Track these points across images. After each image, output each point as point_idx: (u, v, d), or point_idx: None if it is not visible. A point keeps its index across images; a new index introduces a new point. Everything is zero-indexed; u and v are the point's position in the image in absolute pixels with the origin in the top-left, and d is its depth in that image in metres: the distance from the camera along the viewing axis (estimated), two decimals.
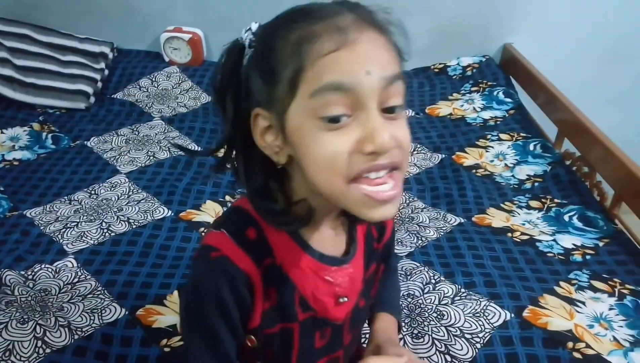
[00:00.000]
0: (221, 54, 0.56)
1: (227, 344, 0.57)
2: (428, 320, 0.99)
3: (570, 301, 1.02)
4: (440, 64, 1.97)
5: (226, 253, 0.55)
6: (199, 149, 1.54)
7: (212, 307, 0.55)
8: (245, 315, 0.57)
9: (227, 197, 1.35)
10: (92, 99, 1.74)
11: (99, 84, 1.79)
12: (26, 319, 0.96)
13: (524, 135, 1.59)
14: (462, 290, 1.05)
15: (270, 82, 0.50)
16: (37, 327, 0.95)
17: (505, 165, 1.50)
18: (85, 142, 1.57)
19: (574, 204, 1.31)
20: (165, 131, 1.63)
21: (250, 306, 0.57)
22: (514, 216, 1.30)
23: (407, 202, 1.36)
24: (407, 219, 1.29)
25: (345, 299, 0.63)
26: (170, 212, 1.29)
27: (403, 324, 0.96)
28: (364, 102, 0.47)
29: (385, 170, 0.49)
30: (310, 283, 0.60)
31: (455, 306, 1.01)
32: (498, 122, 1.68)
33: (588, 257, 1.15)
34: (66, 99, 1.70)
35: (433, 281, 1.08)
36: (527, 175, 1.45)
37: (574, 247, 1.18)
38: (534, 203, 1.34)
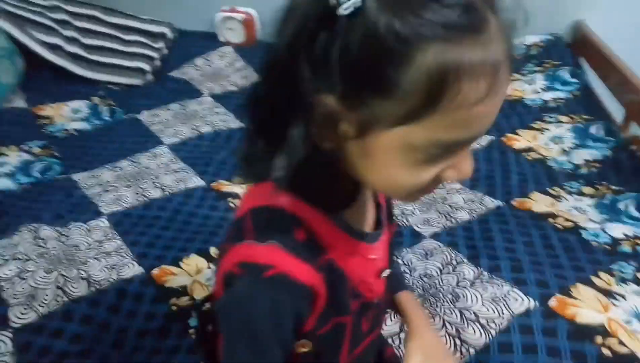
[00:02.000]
0: (284, 13, 0.41)
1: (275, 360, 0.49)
2: (442, 302, 0.92)
3: (608, 293, 0.90)
4: None
5: (283, 269, 0.46)
6: (240, 124, 1.57)
7: (262, 329, 0.47)
8: (301, 325, 0.50)
9: None
10: (149, 76, 1.82)
11: (157, 62, 1.87)
12: (52, 269, 1.02)
13: (587, 117, 1.44)
14: (484, 273, 0.97)
15: (375, 89, 0.39)
16: (60, 277, 1.01)
17: (562, 149, 1.37)
18: (137, 115, 1.64)
19: (633, 191, 1.16)
20: (212, 107, 1.67)
21: (307, 316, 0.49)
22: (560, 201, 1.18)
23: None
24: (439, 200, 1.22)
25: (387, 271, 0.59)
26: (203, 182, 1.32)
27: None
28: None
29: None
30: (359, 269, 0.54)
31: (474, 289, 0.94)
32: (560, 104, 1.54)
33: (639, 248, 1.02)
34: (125, 75, 1.80)
35: (454, 262, 1.01)
36: (585, 160, 1.31)
37: (624, 236, 1.05)
38: (587, 190, 1.21)
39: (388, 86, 0.38)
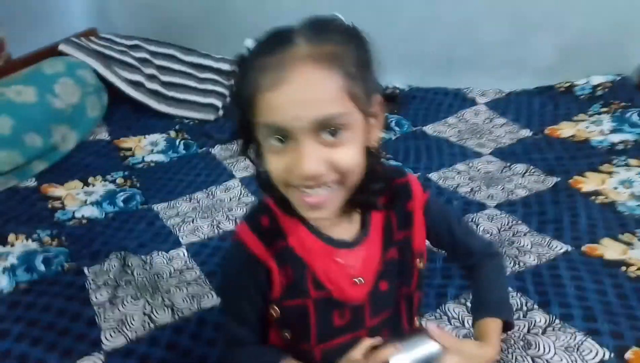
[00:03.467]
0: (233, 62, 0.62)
1: (248, 315, 0.68)
2: (513, 348, 0.93)
3: None
4: (566, 82, 1.84)
5: (242, 237, 0.65)
6: None
7: (233, 284, 0.68)
8: (263, 290, 0.66)
9: None
10: (221, 112, 1.93)
11: (228, 99, 1.98)
12: (139, 296, 1.11)
13: None
14: (557, 321, 0.98)
15: (242, 98, 0.57)
16: (147, 304, 1.09)
17: (632, 193, 1.35)
18: (210, 149, 1.75)
19: None
20: None
21: (265, 283, 0.65)
22: (632, 249, 1.16)
23: (510, 225, 1.29)
24: (506, 242, 1.22)
25: (362, 280, 0.66)
26: None
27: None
28: (296, 135, 0.54)
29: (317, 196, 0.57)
30: (322, 264, 0.65)
31: (546, 337, 0.94)
32: (629, 147, 1.52)
33: None
34: (199, 111, 1.92)
35: (525, 308, 1.02)
36: None
37: None
38: None
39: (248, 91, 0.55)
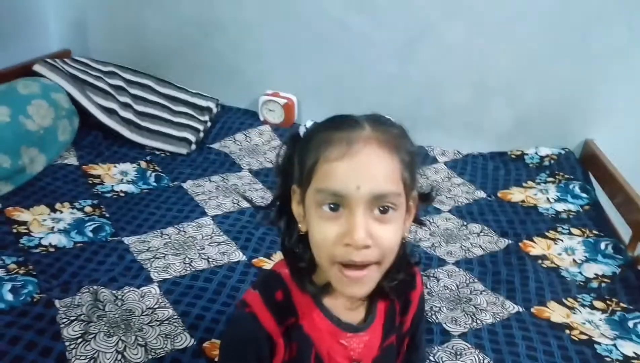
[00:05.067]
0: (285, 140, 0.70)
1: None
2: None
3: None
4: (517, 150, 2.01)
5: (255, 311, 0.67)
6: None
7: (235, 351, 0.69)
8: (265, 361, 0.68)
9: None
10: (193, 146, 1.96)
11: (201, 134, 2.02)
12: (112, 333, 1.10)
13: (596, 232, 1.58)
14: None
15: (301, 167, 0.63)
16: (120, 342, 1.09)
17: (574, 260, 1.50)
18: (182, 183, 1.76)
19: None
20: (251, 183, 1.80)
21: (267, 356, 0.68)
22: (575, 313, 1.29)
23: (467, 282, 1.39)
24: (464, 299, 1.32)
25: None
26: (244, 256, 1.42)
27: None
28: (352, 206, 0.59)
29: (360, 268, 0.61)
30: (326, 344, 0.69)
31: None
32: (571, 216, 1.68)
33: None
34: (172, 144, 1.94)
35: None
36: (595, 274, 1.44)
37: (635, 355, 1.15)
38: (598, 304, 1.32)
39: (304, 162, 0.63)
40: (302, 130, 0.68)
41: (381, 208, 0.60)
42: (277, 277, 0.70)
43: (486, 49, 1.94)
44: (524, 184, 1.86)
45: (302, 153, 0.63)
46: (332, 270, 0.62)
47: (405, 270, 0.71)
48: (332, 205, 0.60)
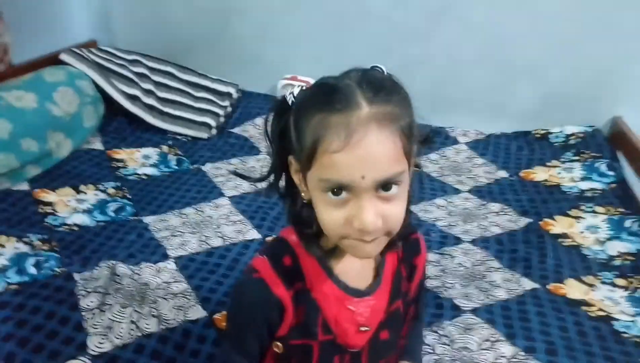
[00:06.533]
0: (273, 105, 0.66)
1: (250, 347, 0.70)
2: None
3: None
4: (542, 130, 1.96)
5: (264, 276, 0.67)
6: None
7: (244, 316, 0.69)
8: (273, 327, 0.69)
9: None
10: (214, 131, 2.00)
11: (222, 119, 2.05)
12: (127, 305, 1.14)
13: (622, 210, 1.52)
14: (521, 353, 1.05)
15: (298, 142, 0.60)
16: (134, 313, 1.12)
17: (597, 239, 1.45)
18: (202, 166, 1.80)
19: None
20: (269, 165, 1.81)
21: (277, 322, 0.68)
22: (594, 290, 1.25)
23: (483, 260, 1.37)
24: (478, 276, 1.30)
25: (367, 328, 0.71)
26: (259, 235, 1.44)
27: None
28: (358, 192, 0.58)
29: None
30: (334, 309, 0.69)
31: None
32: (596, 194, 1.63)
33: None
34: (192, 128, 1.98)
35: (492, 339, 1.09)
36: (619, 251, 1.39)
37: None
38: (620, 282, 1.28)
39: (301, 139, 0.60)
40: (289, 99, 0.63)
41: (385, 187, 0.58)
42: (285, 243, 0.70)
43: (510, 27, 1.89)
44: (548, 164, 1.81)
45: (297, 128, 0.60)
46: (343, 242, 0.62)
47: (406, 235, 0.71)
48: (336, 191, 0.58)
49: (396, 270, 0.75)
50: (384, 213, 0.59)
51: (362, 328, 0.71)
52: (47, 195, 1.55)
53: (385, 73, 0.63)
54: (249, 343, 0.70)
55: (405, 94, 0.62)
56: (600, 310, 1.18)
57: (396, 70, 0.71)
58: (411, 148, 0.60)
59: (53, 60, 1.94)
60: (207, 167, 1.79)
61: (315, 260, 0.68)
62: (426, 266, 0.83)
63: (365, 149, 0.55)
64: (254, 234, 1.44)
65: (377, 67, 0.63)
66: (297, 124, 0.60)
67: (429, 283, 1.25)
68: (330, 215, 0.59)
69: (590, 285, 1.27)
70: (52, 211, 1.49)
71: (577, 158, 1.80)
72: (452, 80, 2.02)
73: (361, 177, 0.56)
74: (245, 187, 1.68)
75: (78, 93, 1.81)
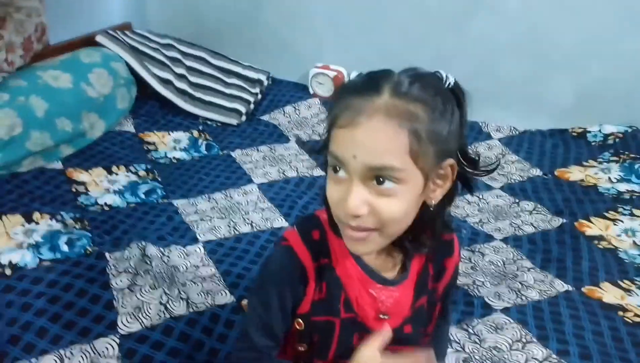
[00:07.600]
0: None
1: (274, 320, 0.70)
2: None
3: None
4: (579, 128, 1.90)
5: (291, 244, 0.69)
6: (322, 173, 1.69)
7: (271, 282, 0.70)
8: (296, 299, 0.70)
9: None
10: (244, 117, 1.99)
11: (252, 106, 2.05)
12: (156, 286, 1.15)
13: None
14: (554, 356, 1.02)
15: (329, 123, 0.64)
16: (163, 295, 1.13)
17: (634, 242, 1.41)
18: (231, 152, 1.80)
19: None
20: (297, 154, 1.81)
21: (301, 294, 0.70)
22: (630, 296, 1.21)
23: (514, 259, 1.34)
24: (510, 275, 1.27)
25: (387, 317, 0.71)
26: (287, 223, 1.43)
27: None
28: (351, 173, 0.60)
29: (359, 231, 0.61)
30: (356, 290, 0.70)
31: None
32: (634, 197, 1.57)
33: None
34: (223, 114, 1.98)
35: (524, 340, 1.06)
36: None
37: None
38: None
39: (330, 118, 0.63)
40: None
41: (379, 180, 0.59)
42: (316, 219, 0.71)
43: (548, 19, 1.83)
44: (585, 163, 1.76)
45: (329, 111, 0.64)
46: (340, 226, 0.64)
47: (434, 235, 0.69)
48: (337, 167, 0.61)
49: (423, 267, 0.74)
50: (373, 206, 0.59)
51: (382, 316, 0.71)
52: (80, 175, 1.57)
53: (445, 79, 0.63)
54: (274, 319, 0.70)
55: (442, 106, 0.60)
56: (637, 315, 1.14)
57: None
58: (423, 153, 0.59)
59: (89, 41, 1.96)
60: (237, 153, 1.79)
61: (343, 241, 0.67)
62: (458, 269, 0.80)
63: (365, 131, 0.57)
64: (282, 222, 1.44)
65: (437, 72, 0.63)
66: (334, 101, 0.64)
67: (459, 281, 1.23)
68: (330, 191, 0.63)
69: (627, 290, 1.23)
70: (85, 191, 1.51)
71: (615, 158, 1.74)
72: (486, 73, 1.97)
73: (352, 156, 0.58)
74: (274, 174, 1.67)
75: (112, 75, 1.82)
